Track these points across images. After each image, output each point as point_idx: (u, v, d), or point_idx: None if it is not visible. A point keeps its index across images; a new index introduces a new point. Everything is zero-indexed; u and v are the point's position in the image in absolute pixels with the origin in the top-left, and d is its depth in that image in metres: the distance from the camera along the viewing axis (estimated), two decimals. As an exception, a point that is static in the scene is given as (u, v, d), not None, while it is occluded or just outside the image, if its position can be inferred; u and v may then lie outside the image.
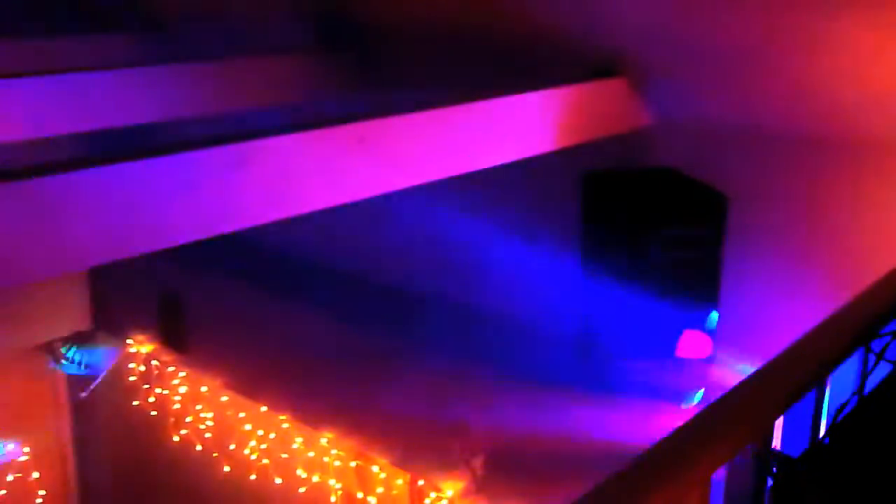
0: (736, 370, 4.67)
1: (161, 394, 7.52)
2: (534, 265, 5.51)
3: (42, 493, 7.95)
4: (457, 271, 5.98)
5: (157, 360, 7.54)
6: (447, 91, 4.93)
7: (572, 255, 5.42)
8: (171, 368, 7.46)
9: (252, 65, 6.23)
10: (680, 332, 4.99)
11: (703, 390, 5.04)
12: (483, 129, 4.61)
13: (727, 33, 4.95)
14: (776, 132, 4.96)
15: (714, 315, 4.98)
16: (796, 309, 4.76)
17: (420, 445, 5.96)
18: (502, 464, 5.46)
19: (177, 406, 7.42)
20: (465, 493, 5.72)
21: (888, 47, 4.38)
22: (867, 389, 2.18)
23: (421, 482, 6.11)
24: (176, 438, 7.46)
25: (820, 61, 4.71)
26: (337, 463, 6.50)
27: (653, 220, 5.00)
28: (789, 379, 1.97)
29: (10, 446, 7.85)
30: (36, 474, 7.91)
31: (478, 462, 5.59)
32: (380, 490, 6.37)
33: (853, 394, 2.16)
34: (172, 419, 7.46)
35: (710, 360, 4.97)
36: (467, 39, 5.74)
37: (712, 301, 5.01)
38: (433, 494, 6.00)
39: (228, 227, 3.93)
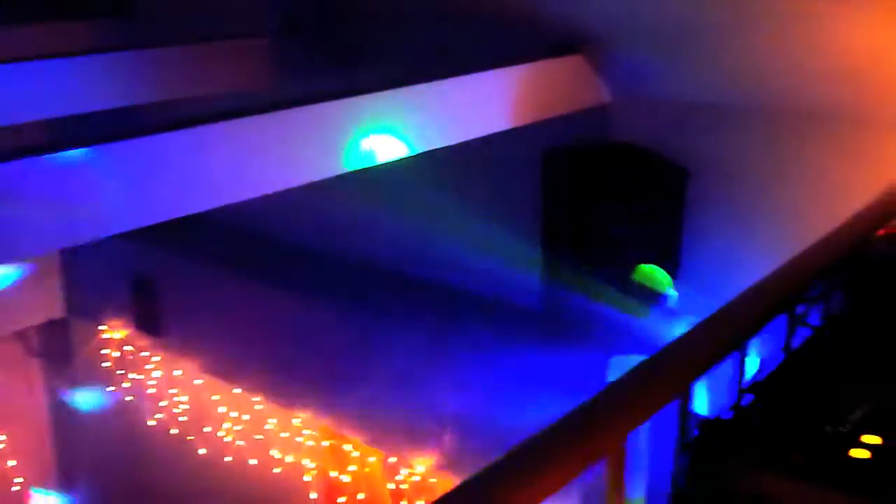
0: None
1: (136, 378, 7.56)
2: (497, 241, 5.55)
3: (19, 480, 7.98)
4: (424, 249, 6.02)
5: (132, 346, 7.57)
6: (407, 71, 4.97)
7: (535, 230, 5.47)
8: (145, 353, 7.50)
9: (216, 49, 6.26)
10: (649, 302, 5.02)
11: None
12: (442, 107, 4.65)
13: (684, 10, 4.95)
14: (733, 106, 5.02)
15: (674, 292, 5.04)
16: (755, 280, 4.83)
17: (392, 424, 6.03)
18: (471, 439, 5.53)
19: (152, 390, 7.46)
20: (435, 468, 5.81)
21: (842, 20, 4.42)
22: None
23: (393, 459, 6.19)
24: (152, 423, 7.51)
25: (775, 36, 4.74)
26: (310, 443, 6.57)
27: (613, 195, 5.06)
28: (709, 343, 2.04)
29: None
30: (13, 462, 7.94)
31: (447, 438, 5.67)
32: (353, 468, 6.46)
33: (777, 356, 2.23)
34: (148, 403, 7.50)
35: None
36: (427, 18, 5.76)
37: (673, 276, 5.07)
38: (405, 471, 6.08)
39: (190, 210, 3.97)
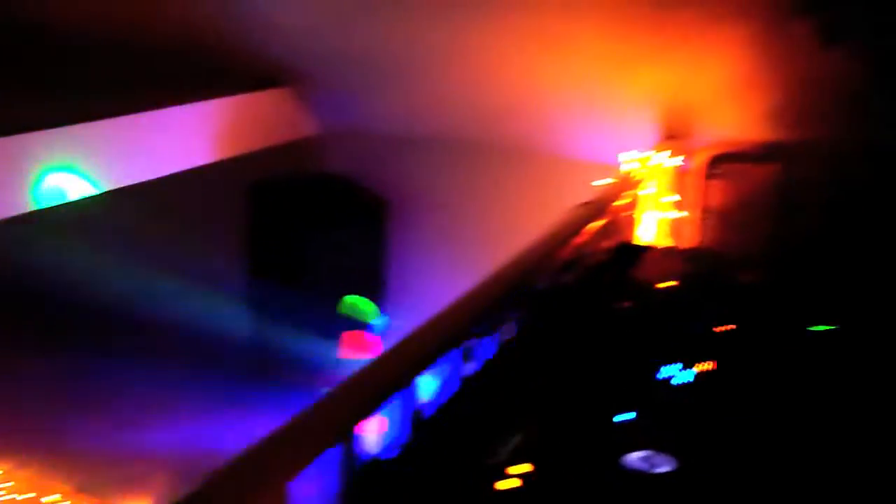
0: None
1: None
2: (205, 275, 5.45)
3: None
4: (127, 287, 5.80)
5: None
6: (105, 102, 4.79)
7: (244, 264, 5.42)
8: None
9: None
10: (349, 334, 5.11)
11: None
12: (133, 143, 4.51)
13: (385, 46, 5.07)
14: (431, 138, 5.20)
15: (383, 317, 5.14)
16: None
17: (104, 468, 5.76)
18: (186, 479, 5.37)
19: None
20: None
21: (525, 62, 4.68)
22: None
23: (104, 507, 5.91)
24: None
25: (467, 73, 4.94)
26: (9, 497, 6.14)
27: (318, 227, 5.10)
28: (375, 384, 2.09)
29: None
30: None
31: (159, 480, 5.48)
32: (60, 519, 6.09)
33: (444, 393, 2.33)
34: None
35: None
36: (129, 49, 5.57)
37: (379, 302, 5.18)
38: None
39: None
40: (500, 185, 5.14)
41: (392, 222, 5.34)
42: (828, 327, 2.46)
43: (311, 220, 5.11)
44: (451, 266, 5.21)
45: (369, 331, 5.08)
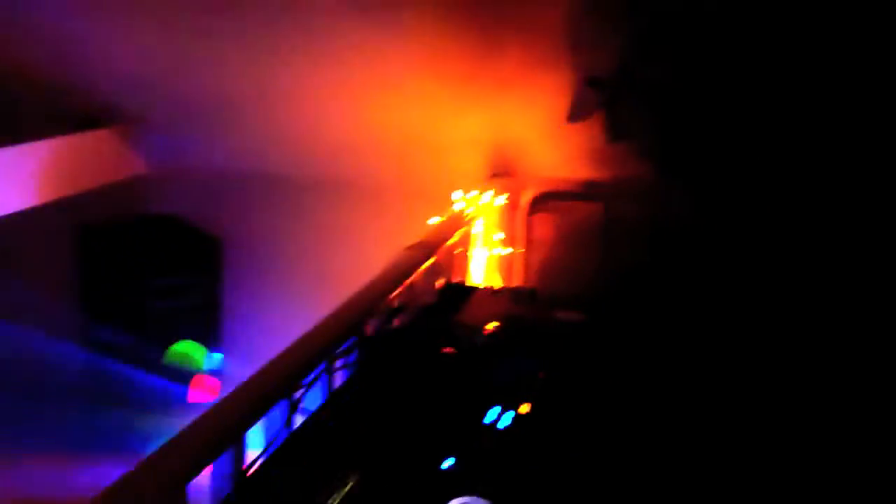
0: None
1: None
2: (37, 318, 5.27)
3: None
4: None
5: None
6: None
7: (77, 307, 5.28)
8: None
9: None
10: (187, 379, 5.05)
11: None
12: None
13: (213, 87, 5.04)
14: (261, 176, 5.21)
15: (218, 356, 5.10)
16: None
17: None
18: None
19: None
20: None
21: (345, 103, 4.75)
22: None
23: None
24: None
25: (297, 111, 4.98)
26: None
27: (148, 270, 5.03)
28: (203, 441, 2.10)
29: None
30: None
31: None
32: None
33: (269, 443, 2.35)
34: None
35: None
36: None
37: (216, 343, 5.13)
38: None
39: None
40: (333, 221, 5.20)
41: (226, 261, 5.31)
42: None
43: (141, 262, 5.03)
44: (288, 301, 5.22)
45: (208, 372, 5.03)
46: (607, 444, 2.32)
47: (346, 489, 2.11)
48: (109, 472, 1.94)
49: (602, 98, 3.60)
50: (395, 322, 3.04)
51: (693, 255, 3.67)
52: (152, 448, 2.12)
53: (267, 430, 2.50)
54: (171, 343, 5.01)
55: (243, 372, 5.08)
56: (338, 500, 2.04)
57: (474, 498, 2.01)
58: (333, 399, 2.67)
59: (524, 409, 2.43)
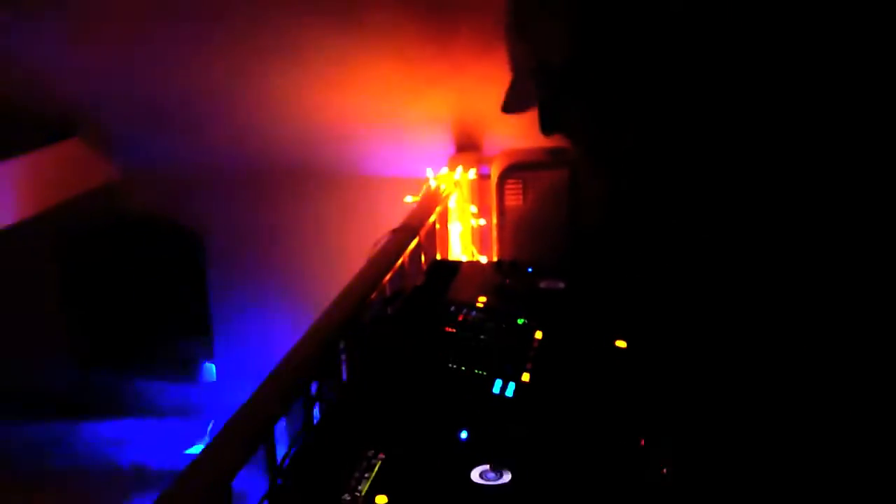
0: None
1: None
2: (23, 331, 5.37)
3: None
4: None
5: None
6: None
7: (63, 317, 5.39)
8: None
9: None
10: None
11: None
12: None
13: (175, 85, 5.13)
14: (232, 171, 5.32)
15: (211, 367, 5.21)
16: (286, 331, 5.18)
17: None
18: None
19: None
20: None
21: (312, 94, 4.88)
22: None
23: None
24: None
25: (257, 107, 5.09)
26: None
27: (134, 271, 5.14)
28: (238, 446, 2.27)
29: None
30: None
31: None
32: None
33: (298, 438, 2.53)
34: None
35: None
36: None
37: (205, 343, 5.25)
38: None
39: None
40: (312, 209, 5.35)
41: (209, 256, 5.44)
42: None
43: (128, 266, 5.15)
44: (275, 296, 5.37)
45: (198, 376, 5.15)
46: (609, 407, 2.48)
47: (375, 471, 2.26)
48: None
49: (541, 89, 3.71)
50: (393, 305, 3.20)
51: (658, 226, 3.83)
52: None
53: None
54: (160, 348, 5.13)
55: (240, 374, 5.22)
56: (370, 482, 2.20)
57: (492, 465, 2.19)
58: (347, 387, 2.84)
59: (525, 377, 2.62)
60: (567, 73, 3.20)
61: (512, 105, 3.65)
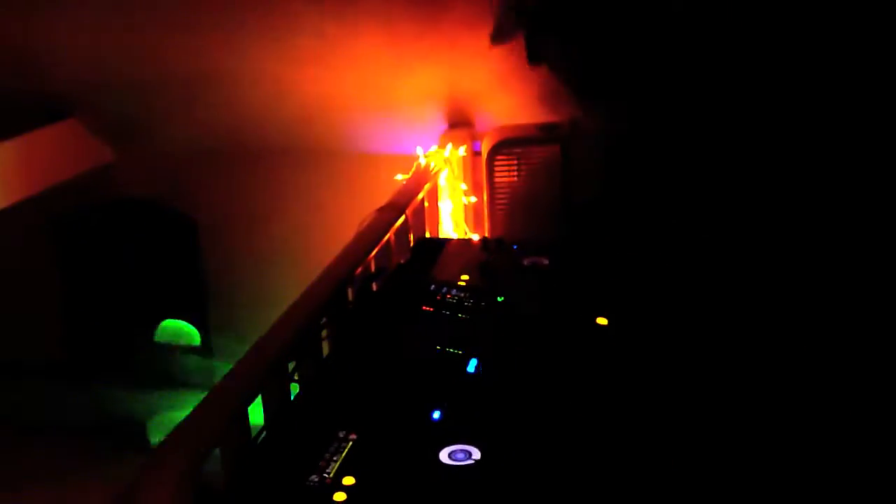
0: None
1: None
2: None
3: None
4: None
5: None
6: None
7: (57, 302, 5.41)
8: None
9: None
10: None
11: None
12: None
13: (165, 66, 5.09)
14: (226, 151, 5.31)
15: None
16: (280, 310, 5.17)
17: None
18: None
19: None
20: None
21: (305, 73, 4.84)
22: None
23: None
24: None
25: (250, 87, 5.04)
26: None
27: (128, 253, 5.14)
28: (214, 419, 2.26)
29: None
30: None
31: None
32: None
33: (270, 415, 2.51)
34: None
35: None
36: None
37: (202, 323, 5.26)
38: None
39: None
40: (305, 188, 5.33)
41: (202, 235, 5.44)
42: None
43: (122, 249, 5.15)
44: (269, 278, 5.35)
45: (192, 354, 5.14)
46: (578, 394, 2.47)
47: (346, 452, 2.25)
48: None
49: (523, 23, 3.86)
50: (374, 284, 3.19)
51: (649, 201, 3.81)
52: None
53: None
54: (154, 331, 5.12)
55: (235, 352, 5.21)
56: (340, 462, 2.19)
57: (464, 445, 2.18)
58: (323, 366, 2.83)
59: (502, 355, 2.60)
60: (540, 12, 3.27)
61: (496, 38, 3.84)
